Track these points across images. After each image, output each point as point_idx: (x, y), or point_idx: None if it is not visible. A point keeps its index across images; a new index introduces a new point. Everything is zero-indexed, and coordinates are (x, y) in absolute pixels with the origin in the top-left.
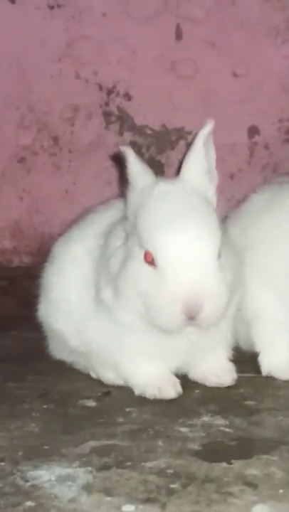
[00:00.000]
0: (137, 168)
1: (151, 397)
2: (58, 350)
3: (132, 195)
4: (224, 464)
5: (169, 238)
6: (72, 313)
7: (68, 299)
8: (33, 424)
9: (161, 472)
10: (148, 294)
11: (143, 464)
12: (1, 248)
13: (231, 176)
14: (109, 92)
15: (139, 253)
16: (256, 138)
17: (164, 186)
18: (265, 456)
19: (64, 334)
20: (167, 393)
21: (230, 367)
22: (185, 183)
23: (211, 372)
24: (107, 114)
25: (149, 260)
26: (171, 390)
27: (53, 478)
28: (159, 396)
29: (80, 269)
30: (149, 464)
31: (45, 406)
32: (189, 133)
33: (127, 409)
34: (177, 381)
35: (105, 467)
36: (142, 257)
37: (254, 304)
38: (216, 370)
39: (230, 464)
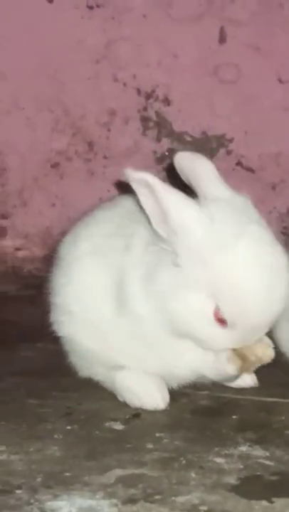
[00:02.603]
0: (179, 204)
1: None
2: (79, 366)
3: (182, 241)
4: (264, 503)
5: (260, 311)
6: (83, 317)
7: (78, 302)
8: (55, 447)
9: (193, 509)
10: (209, 339)
11: (174, 498)
12: (30, 256)
13: (273, 187)
14: (148, 96)
15: (204, 303)
16: None
17: (250, 238)
18: None
19: (75, 339)
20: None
21: None
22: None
23: None
24: (144, 120)
25: (220, 318)
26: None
27: (74, 511)
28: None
29: (89, 270)
30: (180, 499)
31: (68, 427)
32: (230, 140)
33: (158, 435)
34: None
35: (132, 500)
36: (210, 308)
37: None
38: None
39: (272, 502)
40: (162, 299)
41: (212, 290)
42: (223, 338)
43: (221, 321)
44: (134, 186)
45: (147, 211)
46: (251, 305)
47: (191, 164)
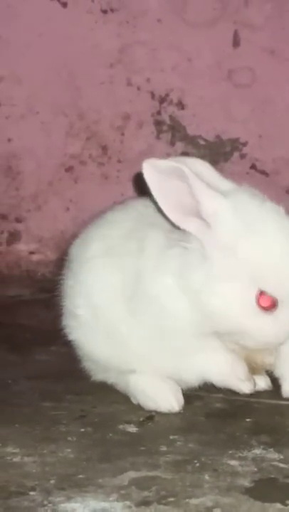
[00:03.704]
0: (211, 193)
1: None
2: (93, 370)
3: (214, 232)
4: (278, 505)
5: None
6: (90, 320)
7: (86, 304)
8: (69, 450)
9: (207, 511)
10: (256, 330)
11: (187, 500)
12: (45, 260)
13: (288, 191)
14: (162, 100)
15: (244, 291)
16: None
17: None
18: None
19: (84, 343)
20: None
21: None
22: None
23: None
24: (158, 124)
25: (264, 305)
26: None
27: None
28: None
29: (99, 271)
30: (194, 501)
31: (82, 429)
32: (244, 144)
33: (171, 437)
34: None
35: (145, 502)
36: (251, 296)
37: None
38: None
39: (286, 505)
40: (200, 298)
41: (251, 276)
42: (271, 326)
43: (266, 307)
44: (156, 180)
45: (169, 207)
46: None
47: (190, 166)
